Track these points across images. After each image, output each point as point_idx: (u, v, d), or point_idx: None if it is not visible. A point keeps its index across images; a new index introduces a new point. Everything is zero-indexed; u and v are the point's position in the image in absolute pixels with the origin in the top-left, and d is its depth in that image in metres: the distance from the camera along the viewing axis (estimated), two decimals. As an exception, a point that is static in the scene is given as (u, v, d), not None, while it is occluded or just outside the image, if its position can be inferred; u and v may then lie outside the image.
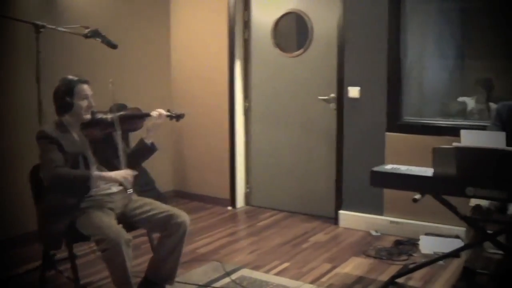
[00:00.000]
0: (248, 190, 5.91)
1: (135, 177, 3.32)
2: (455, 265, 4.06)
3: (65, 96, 3.24)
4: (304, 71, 5.38)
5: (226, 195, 5.86)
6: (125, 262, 3.00)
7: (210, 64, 5.82)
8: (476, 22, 6.34)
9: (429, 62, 5.99)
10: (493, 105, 4.71)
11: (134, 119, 3.45)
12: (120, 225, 3.20)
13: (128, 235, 3.09)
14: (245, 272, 4.00)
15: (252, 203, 5.89)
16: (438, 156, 3.28)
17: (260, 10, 5.64)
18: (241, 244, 4.72)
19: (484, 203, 3.63)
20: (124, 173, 3.25)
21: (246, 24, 5.72)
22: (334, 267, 4.12)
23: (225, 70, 5.70)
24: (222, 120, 5.78)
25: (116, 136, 3.34)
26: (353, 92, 4.95)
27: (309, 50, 5.35)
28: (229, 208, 5.82)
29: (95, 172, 3.24)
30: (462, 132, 3.39)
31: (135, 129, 3.49)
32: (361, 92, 4.92)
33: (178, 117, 3.47)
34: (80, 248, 4.09)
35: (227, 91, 5.71)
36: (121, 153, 3.31)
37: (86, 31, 4.01)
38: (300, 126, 5.46)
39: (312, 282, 3.84)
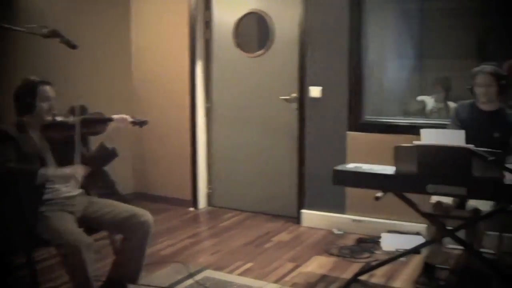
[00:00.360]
0: (210, 190, 5.88)
1: (95, 179, 3.27)
2: (417, 261, 4.11)
3: (27, 97, 3.18)
4: (266, 71, 5.39)
5: (188, 196, 5.82)
6: (86, 267, 2.95)
7: (171, 64, 5.78)
8: (434, 23, 6.45)
9: (389, 62, 6.07)
10: (451, 104, 4.80)
11: (95, 123, 3.38)
12: (81, 229, 3.14)
13: (89, 239, 3.03)
14: (209, 273, 3.97)
15: (214, 204, 5.87)
16: (399, 154, 3.32)
17: (221, 10, 5.62)
18: (204, 245, 4.69)
19: (444, 199, 3.70)
20: (75, 168, 3.18)
21: (208, 24, 5.69)
22: (297, 266, 4.13)
23: (186, 71, 5.67)
24: (184, 121, 5.74)
25: (76, 139, 3.27)
26: (315, 91, 4.98)
27: (271, 50, 5.36)
28: (191, 209, 5.78)
29: (43, 168, 3.16)
30: (423, 130, 3.44)
31: (96, 133, 3.41)
32: (323, 91, 4.95)
33: (142, 123, 3.42)
34: (40, 253, 4.00)
35: (188, 91, 5.68)
36: (77, 155, 3.24)
37: (45, 30, 3.91)
38: (262, 126, 5.46)
39: (275, 282, 3.84)
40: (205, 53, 5.72)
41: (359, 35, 4.82)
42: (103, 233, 3.58)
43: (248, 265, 4.16)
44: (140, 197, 6.03)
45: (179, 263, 4.16)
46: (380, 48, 5.78)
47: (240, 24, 5.52)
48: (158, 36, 5.84)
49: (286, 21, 5.22)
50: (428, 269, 3.83)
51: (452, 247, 4.31)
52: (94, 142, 3.49)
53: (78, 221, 3.24)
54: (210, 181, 5.88)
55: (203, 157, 5.80)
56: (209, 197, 5.89)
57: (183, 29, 5.63)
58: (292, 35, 5.14)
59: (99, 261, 3.86)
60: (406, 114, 5.62)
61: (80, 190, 3.33)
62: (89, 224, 3.32)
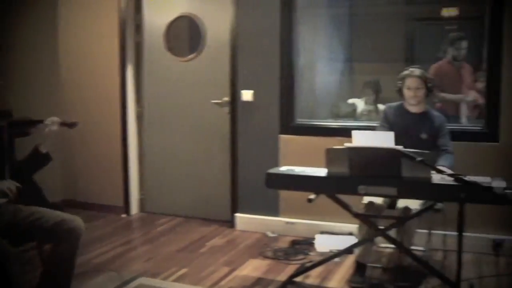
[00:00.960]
0: (142, 196, 5.79)
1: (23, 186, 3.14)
2: (350, 261, 4.18)
3: None
4: (197, 75, 5.35)
5: (120, 202, 5.69)
6: (11, 280, 2.82)
7: (101, 68, 5.64)
8: (364, 27, 6.62)
9: (320, 65, 6.17)
10: (381, 106, 4.91)
11: (24, 125, 3.25)
12: (5, 241, 3.00)
13: (14, 250, 2.90)
14: (143, 280, 3.90)
15: (147, 210, 5.77)
16: (330, 156, 3.38)
17: (152, 13, 5.54)
18: (137, 252, 4.61)
19: (375, 200, 3.78)
20: (4, 183, 3.04)
21: (138, 28, 5.60)
22: (232, 270, 4.12)
23: (116, 75, 5.55)
24: (114, 126, 5.61)
25: (3, 143, 3.13)
26: (247, 95, 4.99)
27: (202, 54, 5.33)
28: (124, 215, 5.67)
29: None
30: (353, 132, 3.50)
31: (25, 135, 3.28)
32: (255, 95, 4.96)
33: (72, 125, 3.33)
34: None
35: (119, 96, 5.56)
36: (7, 160, 3.10)
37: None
38: (195, 130, 5.42)
39: (211, 287, 3.81)
40: (136, 56, 5.62)
41: (290, 39, 4.86)
42: (32, 244, 3.44)
43: (183, 270, 4.11)
44: (69, 205, 5.83)
45: (112, 272, 4.07)
46: (311, 52, 5.87)
47: (172, 27, 5.46)
48: (86, 39, 5.69)
49: (218, 24, 5.21)
50: (361, 268, 3.90)
51: (384, 246, 4.41)
52: (27, 147, 3.35)
53: (3, 232, 3.09)
54: (142, 186, 5.78)
55: (134, 162, 5.70)
56: (142, 203, 5.80)
57: (113, 32, 5.52)
58: (224, 39, 5.13)
59: (28, 273, 3.72)
60: (337, 116, 5.73)
61: (5, 199, 3.19)
62: (16, 233, 3.17)
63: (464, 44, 5.42)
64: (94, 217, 5.53)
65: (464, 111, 5.51)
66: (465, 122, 5.47)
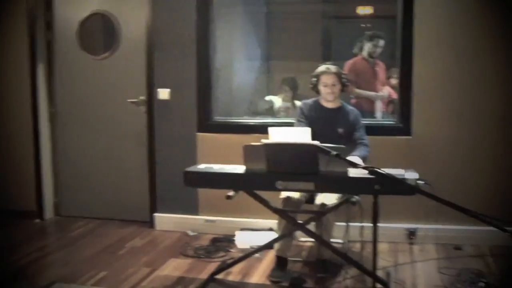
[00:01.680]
0: (57, 200, 5.59)
1: None
2: (270, 256, 4.21)
3: None
4: (113, 73, 5.23)
5: (33, 207, 5.46)
6: None
7: (9, 68, 5.40)
8: (281, 26, 6.69)
9: (238, 63, 6.19)
10: (298, 103, 4.98)
11: None
12: None
13: None
14: (59, 286, 3.77)
15: (62, 213, 5.58)
16: (248, 153, 3.39)
17: (64, 11, 5.34)
18: (52, 257, 4.44)
19: (294, 195, 3.83)
20: None
21: (49, 25, 5.39)
22: (153, 271, 4.05)
23: (26, 75, 5.32)
24: (25, 128, 5.38)
25: None
26: (163, 94, 4.92)
27: (117, 52, 5.20)
28: (37, 220, 5.44)
29: None
30: (270, 129, 3.53)
31: None
32: (171, 93, 4.90)
33: None
34: None
35: (29, 96, 5.34)
36: None
37: None
38: (111, 130, 5.29)
39: (131, 289, 3.75)
40: (47, 55, 5.42)
41: (207, 37, 4.84)
42: None
43: (102, 274, 4.01)
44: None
45: (25, 280, 3.91)
46: (229, 50, 5.87)
47: (85, 25, 5.30)
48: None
49: (133, 22, 5.10)
50: (281, 262, 3.95)
51: (303, 239, 4.48)
52: None
53: None
54: (57, 189, 5.58)
55: (48, 164, 5.50)
56: (56, 206, 5.59)
57: (21, 30, 5.29)
58: (139, 37, 5.03)
59: None
60: (255, 114, 5.76)
61: None
62: None
63: (381, 42, 5.59)
64: (4, 224, 5.28)
65: (379, 106, 5.69)
66: (380, 117, 5.65)
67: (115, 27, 5.18)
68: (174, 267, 4.13)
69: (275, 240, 3.91)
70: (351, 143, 4.08)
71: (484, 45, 4.44)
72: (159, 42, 4.91)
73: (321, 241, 3.82)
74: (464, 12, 4.43)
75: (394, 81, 5.53)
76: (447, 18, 4.47)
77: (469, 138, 4.54)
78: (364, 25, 6.79)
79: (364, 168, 2.35)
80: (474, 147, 4.54)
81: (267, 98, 5.90)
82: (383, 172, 2.35)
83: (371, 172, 2.36)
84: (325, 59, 4.99)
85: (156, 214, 5.08)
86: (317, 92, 4.17)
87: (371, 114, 5.68)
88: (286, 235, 3.86)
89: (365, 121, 4.51)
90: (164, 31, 4.89)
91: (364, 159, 3.91)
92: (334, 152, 2.57)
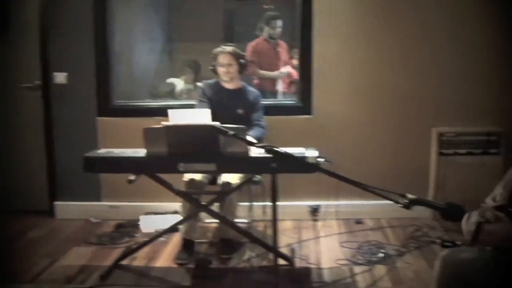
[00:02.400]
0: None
1: None
2: (176, 239, 4.21)
3: None
4: (4, 58, 4.96)
5: None
6: None
7: None
8: (183, 7, 6.60)
9: (139, 45, 6.06)
10: (199, 84, 4.96)
11: None
12: None
13: None
14: (-47, 282, 3.59)
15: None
16: (148, 136, 3.34)
17: None
18: None
19: (197, 176, 3.82)
20: None
21: None
22: (54, 261, 3.92)
23: None
24: None
25: None
26: (60, 78, 4.74)
27: (9, 36, 4.94)
28: None
29: None
30: (169, 111, 3.50)
31: None
32: (69, 77, 4.74)
33: None
34: None
35: None
36: None
37: None
38: (4, 117, 5.02)
39: (31, 281, 3.60)
40: None
41: (104, 18, 4.69)
42: None
43: (0, 267, 3.85)
44: None
45: None
46: (129, 32, 5.73)
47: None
48: None
49: (25, 3, 4.86)
50: (187, 244, 3.95)
51: (209, 221, 4.50)
52: None
53: None
54: None
55: None
56: None
57: None
58: (33, 19, 4.80)
59: None
60: (157, 96, 5.69)
61: None
62: None
63: (279, 22, 5.64)
64: None
65: (280, 86, 5.76)
66: (282, 97, 5.73)
67: (6, 8, 4.91)
68: (76, 256, 4.02)
69: (180, 223, 3.90)
70: (250, 124, 4.12)
71: (382, 24, 4.61)
72: (54, 24, 4.71)
73: (225, 221, 3.85)
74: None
75: (296, 61, 5.62)
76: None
77: (367, 116, 4.71)
78: (266, 6, 6.82)
79: (261, 147, 2.37)
80: (372, 125, 4.72)
81: (169, 80, 5.83)
82: (280, 150, 2.38)
83: (268, 151, 2.39)
84: (228, 40, 4.99)
85: (56, 203, 4.91)
86: (216, 73, 4.17)
87: (275, 95, 5.75)
88: (190, 217, 3.86)
89: (267, 102, 4.57)
90: (59, 13, 4.70)
91: (258, 140, 3.96)
92: (231, 132, 2.58)
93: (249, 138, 3.67)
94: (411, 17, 4.57)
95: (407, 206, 2.11)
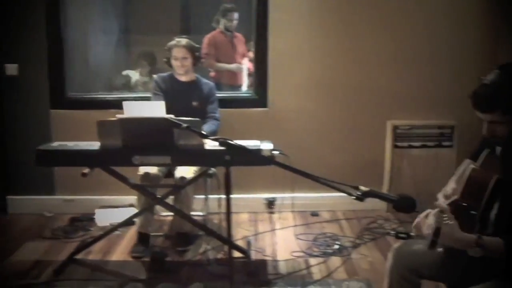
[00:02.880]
0: None
1: None
2: (132, 232, 4.18)
3: None
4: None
5: None
6: None
7: None
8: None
9: (94, 37, 5.97)
10: (154, 78, 4.92)
11: None
12: None
13: None
14: None
15: None
16: (102, 129, 3.30)
17: None
18: None
19: (152, 170, 3.80)
20: None
21: None
22: (6, 257, 3.84)
23: None
24: None
25: None
26: (11, 69, 4.62)
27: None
28: None
29: None
30: (124, 103, 3.47)
31: None
32: (20, 69, 4.62)
33: None
34: None
35: None
36: None
37: None
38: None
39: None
40: None
41: (57, 8, 4.59)
42: None
43: None
44: None
45: None
46: (85, 24, 5.64)
47: None
48: None
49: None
50: (143, 238, 3.93)
51: (164, 214, 4.48)
52: None
53: None
54: None
55: None
56: None
57: None
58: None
59: None
60: (112, 89, 5.62)
61: None
62: None
63: (235, 15, 5.65)
64: None
65: (244, 78, 5.78)
66: (239, 90, 5.74)
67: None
68: (30, 251, 3.95)
69: (135, 216, 3.88)
70: (205, 116, 4.12)
71: (338, 17, 4.65)
72: (4, 14, 4.59)
73: (181, 214, 3.84)
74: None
75: (252, 54, 5.63)
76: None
77: (323, 109, 4.76)
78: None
79: (215, 139, 2.37)
80: (328, 118, 4.77)
81: (124, 72, 5.77)
82: (233, 143, 2.39)
83: (222, 143, 2.39)
84: (184, 33, 4.96)
85: (9, 197, 4.81)
86: (171, 66, 4.15)
87: (232, 88, 5.76)
88: (146, 211, 3.84)
89: (222, 94, 4.57)
90: (9, 2, 4.57)
91: (213, 132, 3.96)
92: (185, 125, 2.57)
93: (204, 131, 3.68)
94: (366, 11, 4.63)
95: (360, 198, 2.13)
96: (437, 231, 2.03)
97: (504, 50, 4.63)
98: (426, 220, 2.16)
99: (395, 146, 4.75)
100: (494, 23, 4.74)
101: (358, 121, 4.78)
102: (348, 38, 4.66)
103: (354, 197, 2.14)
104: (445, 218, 2.07)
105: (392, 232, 4.27)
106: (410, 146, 4.76)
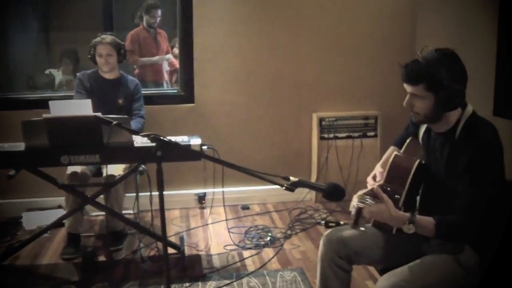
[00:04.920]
0: None
1: None
2: (62, 234, 4.10)
3: None
4: None
5: None
6: None
7: None
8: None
9: (14, 35, 5.79)
10: (78, 76, 4.83)
11: None
12: None
13: None
14: None
15: None
16: (28, 129, 3.22)
17: None
18: None
19: (80, 169, 3.74)
20: None
21: None
22: None
23: None
24: None
25: None
26: None
27: None
28: None
29: None
30: (51, 103, 3.41)
31: None
32: None
33: None
34: None
35: None
36: None
37: None
38: None
39: None
40: None
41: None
42: None
43: None
44: None
45: None
46: (2, 22, 5.46)
47: None
48: None
49: None
50: (73, 239, 3.86)
51: (95, 213, 4.41)
52: None
53: None
54: None
55: None
56: None
57: None
58: None
59: None
60: (35, 88, 5.47)
61: None
62: None
63: (158, 11, 5.61)
64: None
65: (165, 72, 5.76)
66: (165, 86, 5.71)
67: None
68: (-48, 259, 3.81)
69: (64, 217, 3.80)
70: (132, 113, 4.10)
71: (262, 12, 4.71)
72: None
73: (112, 213, 3.80)
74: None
75: (177, 50, 5.62)
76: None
77: (250, 103, 4.81)
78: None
79: (145, 135, 2.36)
80: (255, 111, 4.83)
81: (47, 71, 5.62)
82: (164, 138, 2.39)
83: (153, 139, 2.39)
84: (107, 29, 4.89)
85: None
86: (95, 63, 4.09)
87: (156, 84, 5.72)
88: (75, 211, 3.76)
89: (149, 91, 4.54)
90: None
91: (139, 131, 3.93)
92: (115, 122, 2.55)
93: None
94: (290, 5, 4.71)
95: (290, 189, 2.18)
96: (359, 211, 2.22)
97: (422, 41, 4.82)
98: (352, 202, 2.29)
99: (321, 138, 4.86)
100: (412, 14, 4.92)
101: (284, 114, 4.86)
102: (272, 32, 4.73)
103: (284, 188, 2.20)
104: (367, 199, 2.19)
105: (322, 221, 4.38)
106: (336, 137, 4.88)
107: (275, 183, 2.25)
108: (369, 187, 2.38)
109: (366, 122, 4.91)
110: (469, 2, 4.18)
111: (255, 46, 4.73)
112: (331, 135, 4.87)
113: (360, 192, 2.27)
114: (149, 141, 2.41)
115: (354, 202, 2.28)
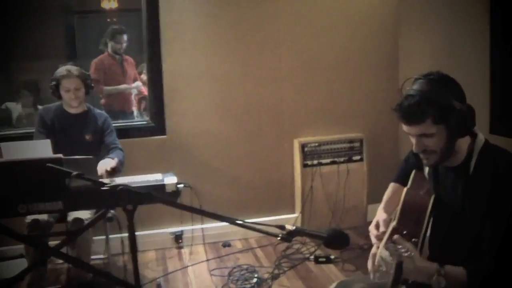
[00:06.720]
0: None
1: None
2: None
3: None
4: None
5: None
6: None
7: None
8: (20, 22, 6.04)
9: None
10: (39, 111, 4.47)
11: None
12: None
13: None
14: None
15: None
16: (-23, 176, 2.83)
17: None
18: None
19: (41, 216, 3.35)
20: None
21: None
22: None
23: None
24: None
25: None
26: None
27: None
28: None
29: None
30: (2, 145, 3.04)
31: None
32: None
33: None
34: None
35: None
36: None
37: None
38: None
39: None
40: None
41: None
42: None
43: None
44: None
45: None
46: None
47: None
48: None
49: None
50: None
51: (61, 262, 4.00)
52: None
53: None
54: None
55: None
56: None
57: None
58: None
59: None
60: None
61: None
62: None
63: (124, 37, 5.33)
64: None
65: (134, 101, 5.46)
66: (135, 115, 5.43)
67: None
68: None
69: (25, 273, 3.37)
70: (103, 149, 3.72)
71: (234, 36, 4.43)
72: None
73: (80, 264, 3.39)
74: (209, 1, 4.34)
75: (145, 76, 5.31)
76: (193, 9, 4.33)
77: (227, 131, 4.52)
78: (109, 20, 6.46)
79: (113, 187, 2.03)
80: (233, 140, 4.54)
81: (4, 105, 5.23)
82: (133, 190, 2.06)
83: (122, 191, 2.05)
84: (70, 57, 4.55)
85: None
86: (59, 98, 3.69)
87: (123, 114, 5.39)
88: (37, 264, 3.35)
89: (117, 124, 4.17)
90: None
91: (121, 163, 3.57)
92: (75, 173, 2.20)
93: (109, 160, 3.39)
94: (265, 27, 4.45)
95: (286, 239, 1.85)
96: (399, 266, 1.76)
97: (405, 63, 4.60)
98: (379, 255, 1.93)
99: (305, 165, 4.55)
100: (395, 37, 4.72)
101: (264, 141, 4.57)
102: (247, 56, 4.45)
103: (279, 238, 1.86)
104: (402, 250, 1.84)
105: (311, 257, 4.06)
106: (320, 164, 4.58)
107: (268, 234, 1.92)
108: (373, 238, 2.07)
109: (351, 146, 4.63)
110: (456, 17, 3.95)
111: (230, 70, 4.43)
112: (315, 162, 4.57)
113: (384, 241, 1.92)
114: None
115: (385, 255, 1.91)
